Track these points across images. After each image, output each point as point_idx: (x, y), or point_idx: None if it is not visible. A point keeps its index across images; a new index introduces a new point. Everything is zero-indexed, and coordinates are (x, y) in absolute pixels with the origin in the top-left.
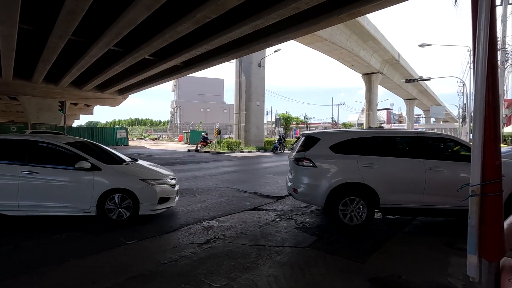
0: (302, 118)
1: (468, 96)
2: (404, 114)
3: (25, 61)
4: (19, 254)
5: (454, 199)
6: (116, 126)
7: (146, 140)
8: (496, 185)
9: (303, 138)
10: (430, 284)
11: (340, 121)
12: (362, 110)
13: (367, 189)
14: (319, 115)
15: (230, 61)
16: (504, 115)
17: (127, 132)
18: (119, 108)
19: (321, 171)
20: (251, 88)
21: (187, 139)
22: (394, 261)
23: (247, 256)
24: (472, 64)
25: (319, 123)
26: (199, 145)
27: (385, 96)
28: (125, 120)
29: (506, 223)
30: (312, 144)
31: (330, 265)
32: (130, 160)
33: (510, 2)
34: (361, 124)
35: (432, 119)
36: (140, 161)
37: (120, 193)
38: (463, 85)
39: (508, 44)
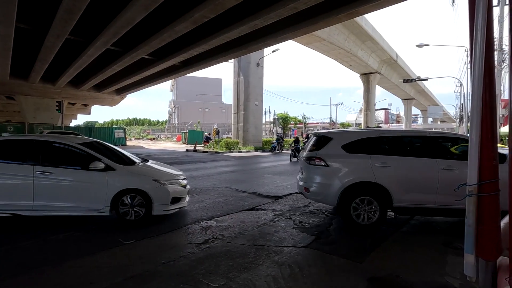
0: (300, 118)
1: (466, 96)
2: (402, 114)
3: (22, 61)
4: (18, 254)
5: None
6: (114, 126)
7: (144, 140)
8: (493, 185)
9: (315, 137)
10: (427, 283)
11: (338, 121)
12: (360, 110)
13: (380, 189)
14: (317, 115)
15: (229, 61)
16: (501, 115)
17: (125, 132)
18: (117, 107)
19: (333, 171)
20: (249, 88)
21: (185, 139)
22: (392, 260)
23: (246, 256)
24: (469, 64)
25: (317, 123)
26: (202, 145)
27: (383, 96)
28: (123, 120)
29: (502, 223)
30: (324, 143)
31: (328, 264)
32: (141, 160)
33: (507, 2)
34: (359, 124)
35: (430, 119)
36: (150, 162)
37: (133, 193)
38: (461, 85)
39: (505, 45)
